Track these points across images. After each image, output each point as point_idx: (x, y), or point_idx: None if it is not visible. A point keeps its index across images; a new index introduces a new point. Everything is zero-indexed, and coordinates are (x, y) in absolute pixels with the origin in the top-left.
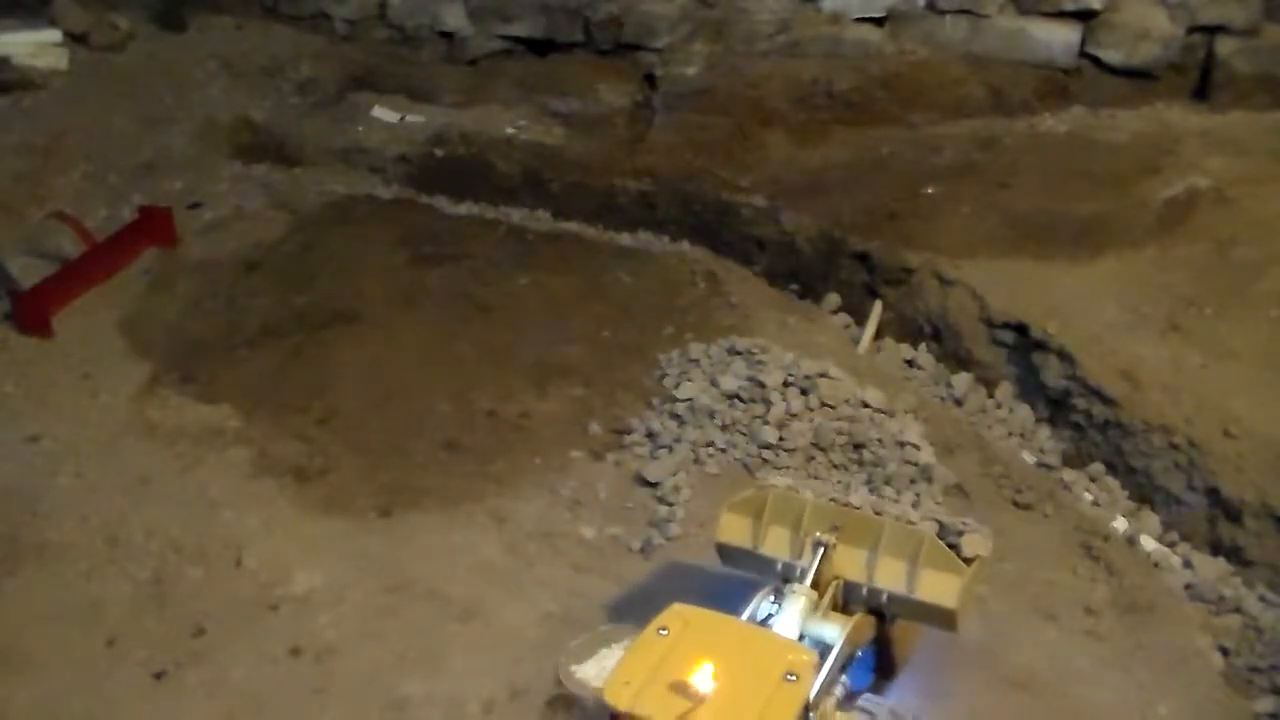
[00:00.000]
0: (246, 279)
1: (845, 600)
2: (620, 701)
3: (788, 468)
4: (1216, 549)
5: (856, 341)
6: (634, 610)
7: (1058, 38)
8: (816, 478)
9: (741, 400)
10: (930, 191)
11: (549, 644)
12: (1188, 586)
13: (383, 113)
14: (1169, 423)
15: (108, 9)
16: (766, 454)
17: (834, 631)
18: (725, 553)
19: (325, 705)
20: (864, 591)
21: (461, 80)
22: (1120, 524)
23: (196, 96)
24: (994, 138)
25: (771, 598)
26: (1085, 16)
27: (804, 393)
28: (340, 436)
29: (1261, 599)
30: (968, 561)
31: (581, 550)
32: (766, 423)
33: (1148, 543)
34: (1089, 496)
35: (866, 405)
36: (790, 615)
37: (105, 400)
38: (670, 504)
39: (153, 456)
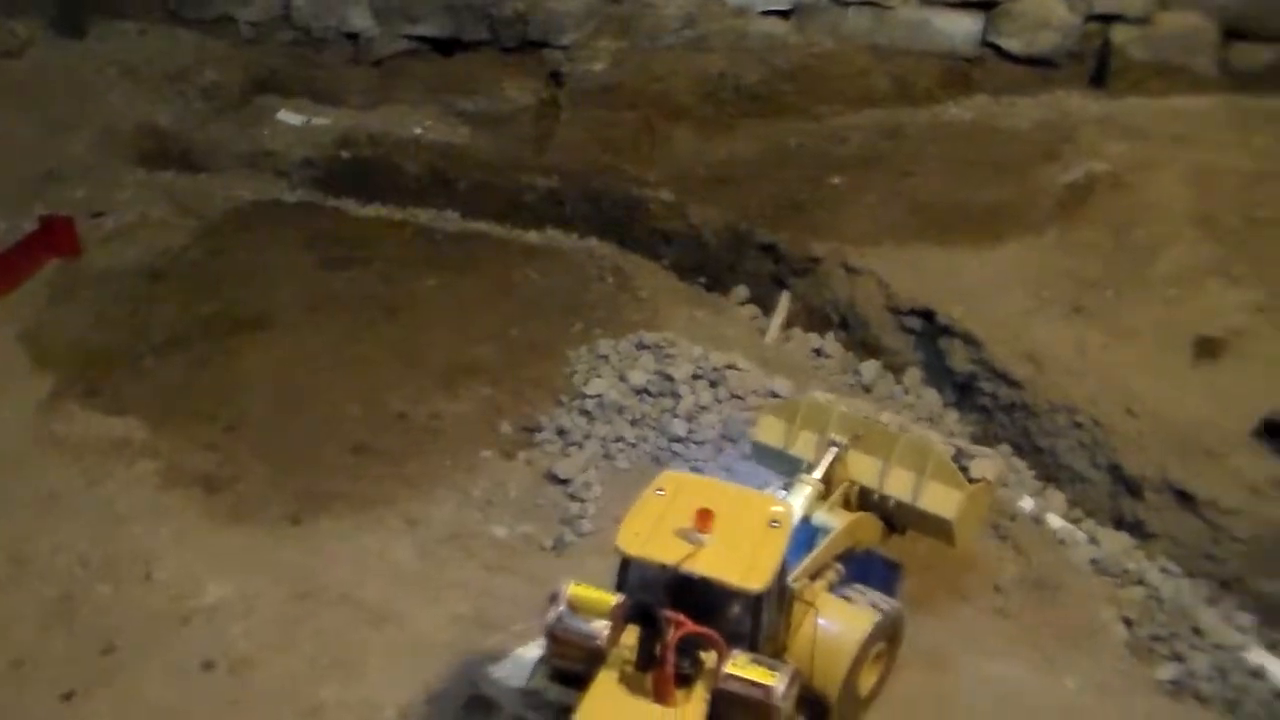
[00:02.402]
0: (151, 288)
1: (862, 505)
2: (631, 549)
3: (697, 460)
4: (1120, 524)
5: (765, 332)
6: (548, 609)
7: (960, 27)
8: None
9: (650, 394)
10: (836, 182)
11: (463, 646)
12: (1093, 561)
13: (288, 116)
14: (1073, 403)
15: (5, 16)
16: (677, 447)
17: (835, 523)
18: (759, 451)
19: (240, 717)
20: (875, 497)
21: (367, 81)
22: (1027, 503)
23: (98, 103)
24: (899, 127)
25: (783, 488)
26: (987, 6)
27: (713, 385)
28: (249, 444)
29: (1163, 570)
30: (974, 483)
31: (494, 550)
32: (676, 416)
33: (1054, 520)
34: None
35: (775, 395)
36: (795, 501)
37: (7, 415)
38: (582, 500)
39: (59, 471)
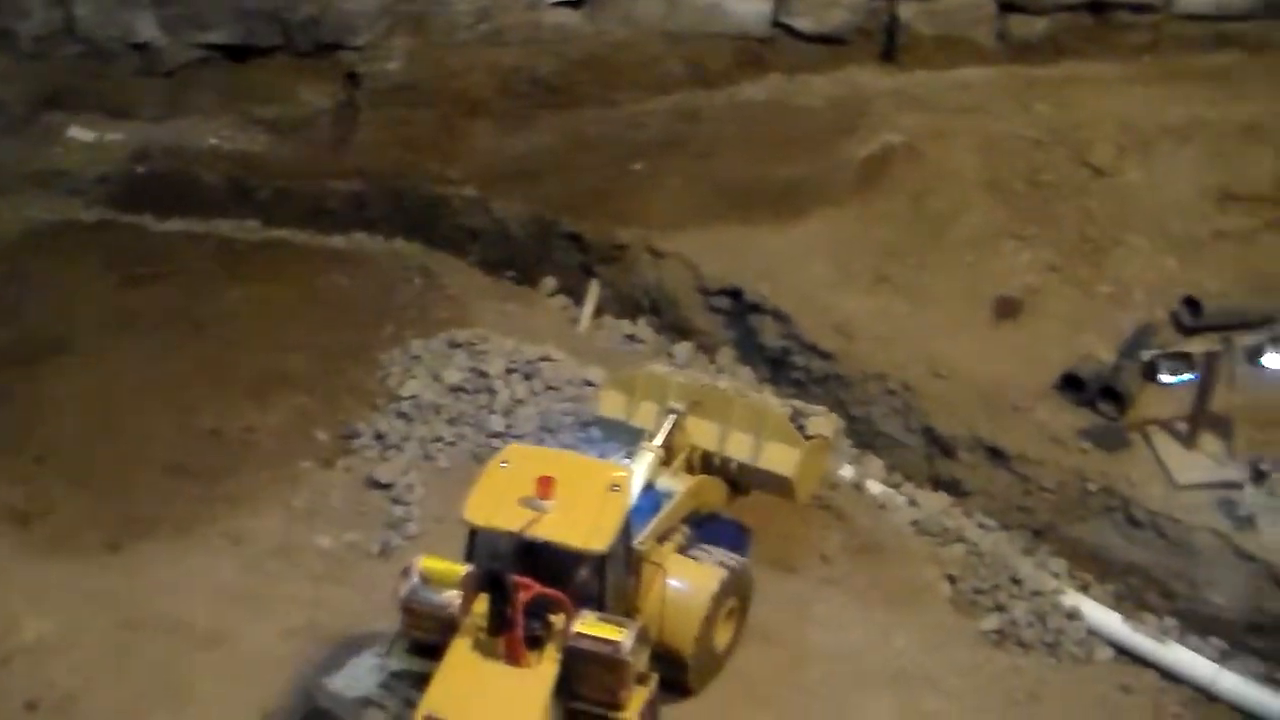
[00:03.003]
0: None
1: (705, 469)
2: (477, 519)
3: None
4: (936, 484)
5: (576, 322)
6: (379, 616)
7: (750, 9)
8: None
9: (466, 392)
10: (638, 168)
11: (297, 660)
12: (914, 523)
13: (80, 132)
14: (883, 370)
15: None
16: (496, 443)
17: (679, 487)
18: (603, 425)
19: None
20: (716, 461)
21: (160, 93)
22: (847, 471)
23: None
24: (696, 110)
25: (625, 457)
26: None
27: (528, 378)
28: (60, 473)
29: (980, 525)
30: (811, 439)
31: (321, 561)
32: (493, 412)
33: (873, 486)
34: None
35: (590, 384)
36: (638, 469)
37: None
38: (405, 504)
39: None
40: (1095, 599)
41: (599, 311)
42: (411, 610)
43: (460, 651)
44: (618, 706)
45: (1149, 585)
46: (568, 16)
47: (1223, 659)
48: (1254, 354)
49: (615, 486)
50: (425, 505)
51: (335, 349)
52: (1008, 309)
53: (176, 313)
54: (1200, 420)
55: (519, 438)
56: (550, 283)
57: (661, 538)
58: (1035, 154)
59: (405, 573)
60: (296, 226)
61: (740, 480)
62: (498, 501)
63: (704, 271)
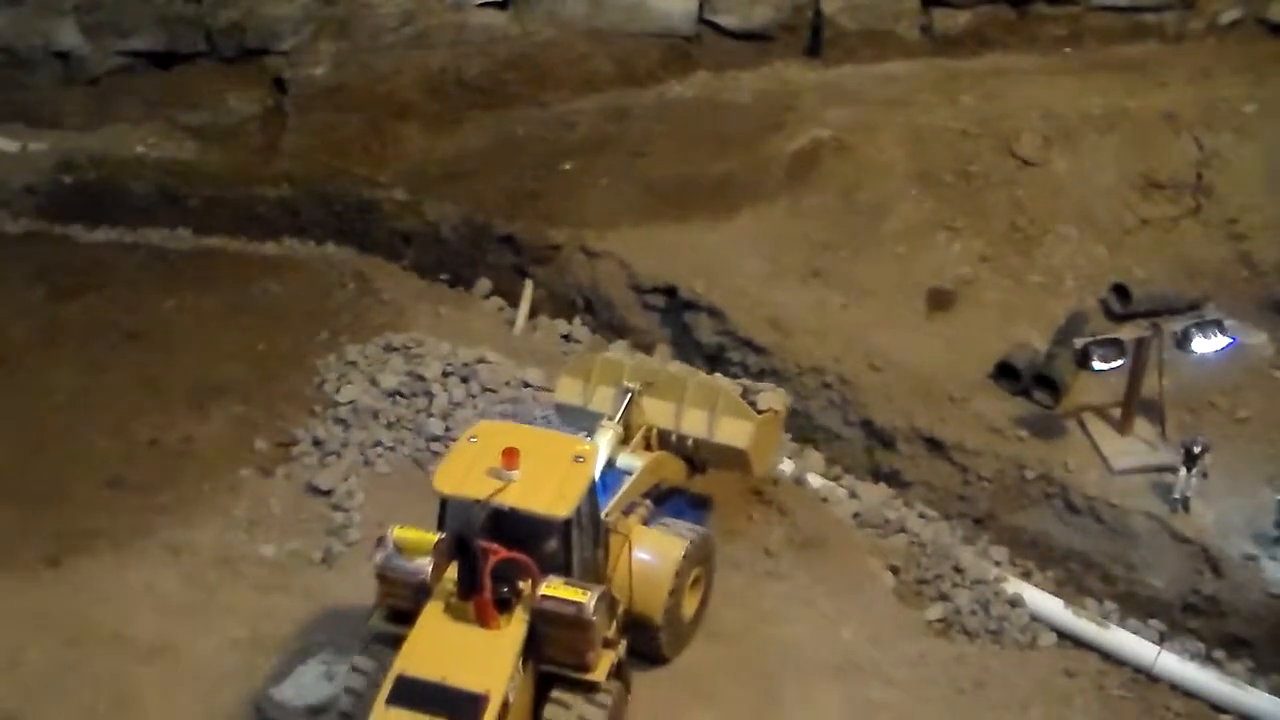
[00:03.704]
0: None
1: (662, 448)
2: (446, 488)
3: None
4: (877, 476)
5: (512, 323)
6: (325, 623)
7: (676, 7)
8: None
9: (403, 396)
10: (568, 167)
11: (243, 671)
12: (855, 515)
13: (3, 143)
14: (819, 364)
15: None
16: (435, 446)
17: (638, 463)
18: (562, 411)
19: None
20: (673, 438)
21: (84, 101)
22: (787, 466)
23: None
24: (625, 109)
25: (586, 436)
26: None
27: (465, 381)
28: None
29: (921, 516)
30: (763, 414)
31: (263, 570)
32: (431, 415)
33: (814, 480)
34: None
35: (528, 385)
36: (600, 445)
37: None
38: (346, 510)
39: None
40: (1037, 585)
41: (534, 312)
42: (386, 578)
43: (433, 615)
44: (586, 668)
45: (1089, 570)
46: (494, 17)
47: (1162, 640)
48: (1182, 339)
49: (579, 458)
50: (366, 511)
51: (271, 356)
52: (941, 300)
53: (109, 324)
54: (1133, 406)
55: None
56: (485, 285)
57: (625, 512)
58: (963, 145)
59: (380, 543)
60: (227, 234)
61: (697, 457)
62: (466, 472)
63: (638, 270)
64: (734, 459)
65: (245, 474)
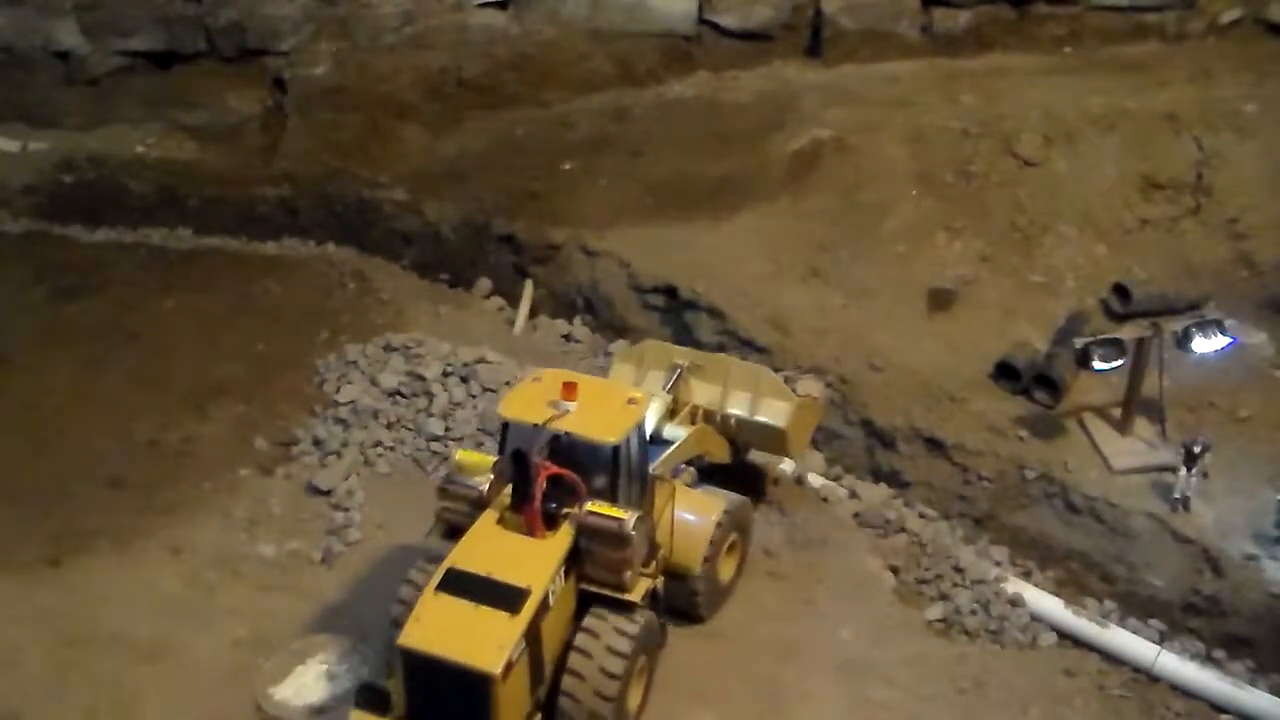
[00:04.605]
0: None
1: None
2: (509, 413)
3: None
4: (877, 476)
5: (512, 323)
6: (325, 623)
7: (676, 7)
8: None
9: (404, 396)
10: (568, 167)
11: (243, 670)
12: (855, 515)
13: (3, 143)
14: (820, 363)
15: None
16: (435, 446)
17: (683, 434)
18: None
19: None
20: (717, 417)
21: (84, 102)
22: (788, 465)
23: None
24: (625, 109)
25: None
26: None
27: (465, 380)
28: None
29: (921, 515)
30: (803, 398)
31: (263, 570)
32: (431, 415)
33: (815, 479)
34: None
35: None
36: (649, 415)
37: None
38: (346, 509)
39: None
40: (1037, 585)
41: (534, 312)
42: (446, 492)
43: (486, 523)
44: (623, 587)
45: (1089, 570)
46: (494, 17)
47: (1162, 640)
48: (1183, 339)
49: (632, 401)
50: (366, 510)
51: (271, 356)
52: (941, 300)
53: (110, 324)
54: (1133, 405)
55: (458, 440)
56: (485, 284)
57: (672, 474)
58: (963, 145)
59: (444, 462)
60: (228, 234)
61: (738, 438)
62: (528, 402)
63: (638, 269)
64: (773, 438)
65: (245, 474)
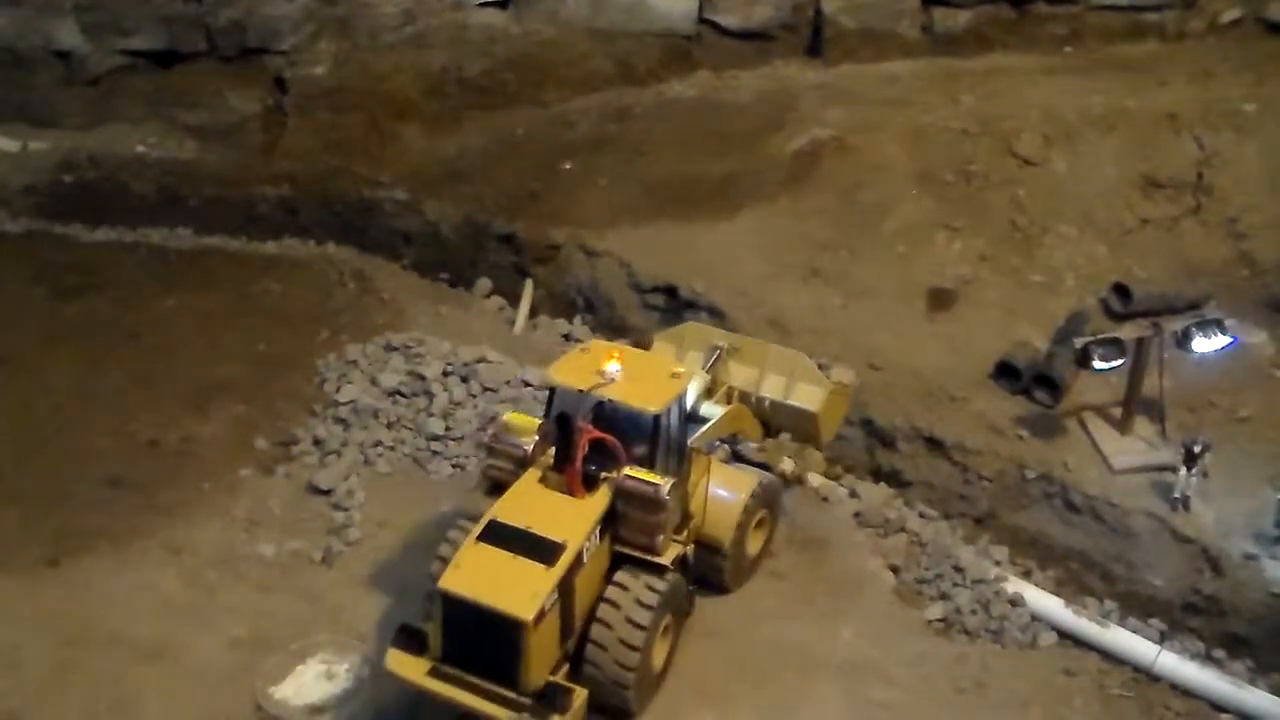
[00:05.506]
0: None
1: None
2: (557, 378)
3: (459, 456)
4: (877, 475)
5: (512, 323)
6: (325, 623)
7: (677, 6)
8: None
9: (404, 396)
10: (568, 167)
11: (243, 671)
12: (855, 515)
13: (3, 142)
14: (820, 363)
15: None
16: (435, 445)
17: (718, 412)
18: None
19: None
20: (753, 399)
21: (84, 101)
22: (787, 464)
23: None
24: (625, 108)
25: None
26: None
27: (465, 380)
28: None
29: (921, 515)
30: (835, 385)
31: (263, 569)
32: (431, 415)
33: (815, 479)
34: (753, 444)
35: (528, 384)
36: (689, 392)
37: None
38: (346, 509)
39: None
40: (1037, 585)
41: (534, 312)
42: (493, 449)
43: (528, 480)
44: (655, 550)
45: (1089, 569)
46: (494, 16)
47: (1162, 640)
48: (1183, 338)
49: (675, 375)
50: (366, 510)
51: (271, 356)
52: (941, 300)
53: (110, 323)
54: (1133, 405)
55: (459, 440)
56: (485, 284)
57: (707, 450)
58: (963, 145)
59: (491, 421)
60: (228, 234)
61: (771, 421)
62: (574, 369)
63: (638, 269)
64: (805, 422)
65: (245, 473)
